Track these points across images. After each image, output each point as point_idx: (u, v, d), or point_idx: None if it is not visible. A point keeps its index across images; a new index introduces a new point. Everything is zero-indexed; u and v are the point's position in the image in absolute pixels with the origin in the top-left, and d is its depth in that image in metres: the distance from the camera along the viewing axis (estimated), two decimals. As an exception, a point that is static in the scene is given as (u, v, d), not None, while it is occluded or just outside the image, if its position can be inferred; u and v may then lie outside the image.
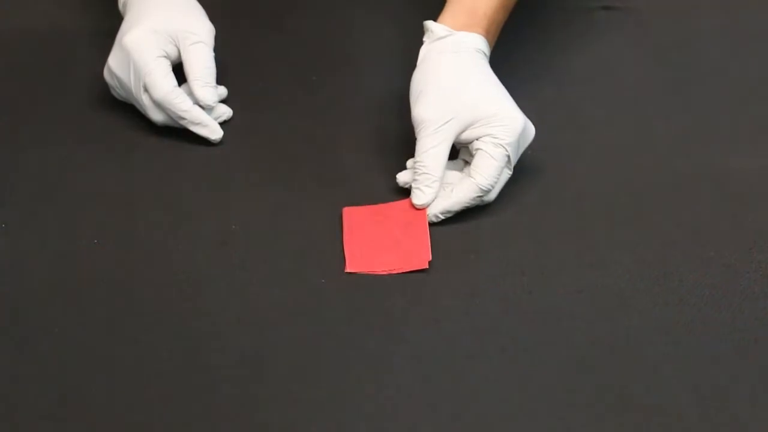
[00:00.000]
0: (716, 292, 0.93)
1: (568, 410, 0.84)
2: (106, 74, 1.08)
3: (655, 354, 0.88)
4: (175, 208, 1.00)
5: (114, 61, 1.06)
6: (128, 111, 1.10)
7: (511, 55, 1.17)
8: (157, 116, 1.05)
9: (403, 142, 1.07)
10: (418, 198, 0.98)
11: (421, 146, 0.99)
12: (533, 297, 0.93)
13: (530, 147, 1.07)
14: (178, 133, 1.07)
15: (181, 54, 1.05)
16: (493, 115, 0.98)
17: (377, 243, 0.97)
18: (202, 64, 1.05)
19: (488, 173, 0.98)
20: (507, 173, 1.00)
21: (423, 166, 0.98)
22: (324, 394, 0.86)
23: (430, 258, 0.95)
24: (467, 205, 0.99)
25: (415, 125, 1.00)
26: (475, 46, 1.03)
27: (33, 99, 1.13)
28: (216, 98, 1.06)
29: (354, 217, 0.99)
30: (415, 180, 0.99)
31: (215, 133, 1.05)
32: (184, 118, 1.04)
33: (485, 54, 1.04)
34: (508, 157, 0.98)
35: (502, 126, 0.98)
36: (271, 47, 1.17)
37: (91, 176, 1.04)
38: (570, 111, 1.12)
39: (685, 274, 0.94)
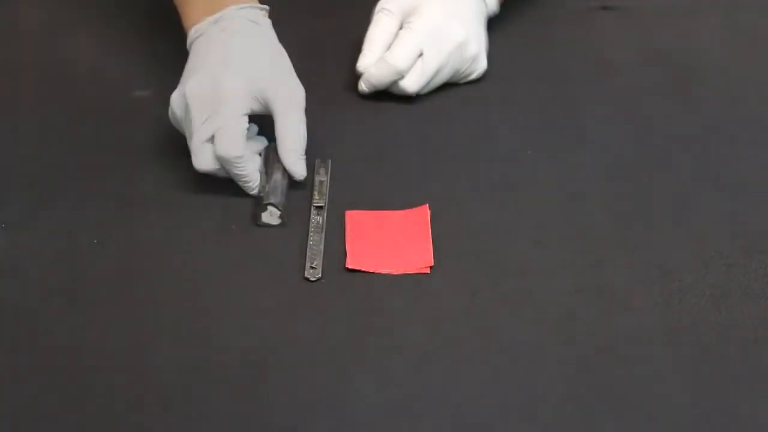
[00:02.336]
0: (716, 292, 0.93)
1: (568, 410, 0.84)
2: (175, 97, 1.00)
3: (655, 354, 0.88)
4: (175, 207, 1.00)
5: (194, 90, 0.98)
6: (128, 112, 1.10)
7: (511, 55, 1.17)
8: (201, 163, 0.98)
9: (404, 141, 1.07)
10: (359, 62, 1.10)
11: (372, 18, 1.13)
12: (533, 297, 0.93)
13: (530, 146, 1.07)
14: (178, 135, 1.06)
15: (275, 115, 0.99)
16: (418, 6, 1.10)
17: (379, 246, 0.97)
18: (298, 133, 1.00)
19: (395, 50, 1.09)
20: (427, 67, 1.09)
21: (369, 32, 1.11)
22: (324, 394, 0.86)
23: (432, 263, 0.95)
24: (383, 80, 1.09)
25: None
26: None
27: (33, 99, 1.13)
28: (304, 173, 1.01)
29: (357, 220, 0.99)
30: (363, 47, 1.11)
31: (254, 190, 1.00)
32: (237, 179, 0.99)
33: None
34: (422, 47, 1.08)
35: (418, 17, 1.09)
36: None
37: (90, 176, 1.04)
38: (570, 111, 1.12)
39: (685, 274, 0.94)
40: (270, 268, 0.95)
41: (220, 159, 0.98)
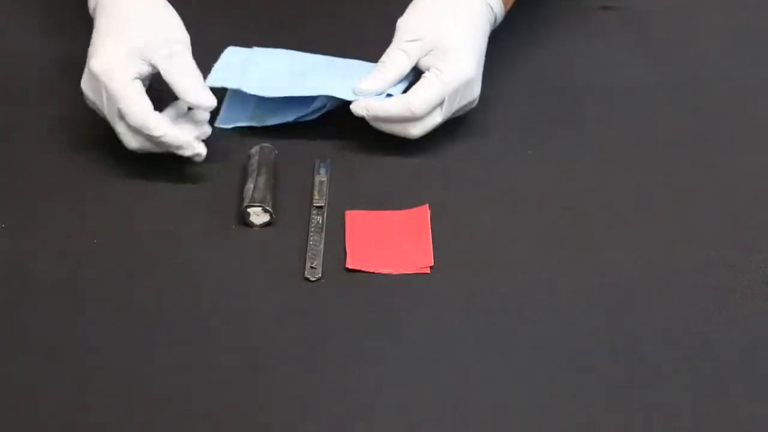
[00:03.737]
0: (716, 292, 0.93)
1: (568, 410, 0.84)
2: (84, 93, 1.02)
3: (655, 354, 0.88)
4: (175, 208, 1.00)
5: (86, 86, 1.01)
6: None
7: (511, 55, 1.17)
8: (132, 143, 1.00)
9: (404, 141, 1.07)
10: (361, 83, 1.04)
11: (388, 49, 1.06)
12: (533, 297, 0.93)
13: (530, 146, 1.07)
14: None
15: (160, 66, 1.00)
16: (449, 51, 1.04)
17: (379, 245, 0.97)
18: (189, 70, 1.01)
19: (422, 97, 1.03)
20: (437, 118, 1.04)
21: (382, 63, 1.05)
22: (324, 394, 0.86)
23: (433, 263, 0.95)
24: (391, 117, 1.03)
25: (396, 29, 1.07)
26: None
27: (34, 99, 1.13)
28: (214, 100, 1.01)
29: (357, 220, 0.99)
30: (371, 72, 1.05)
31: (198, 152, 1.00)
32: (162, 143, 0.99)
33: (491, 8, 1.08)
34: (445, 98, 1.03)
35: (452, 67, 1.04)
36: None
37: (91, 176, 1.04)
38: (570, 111, 1.12)
39: (685, 274, 0.94)
40: (270, 268, 0.95)
41: (137, 130, 0.98)
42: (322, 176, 1.03)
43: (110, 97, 0.99)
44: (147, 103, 0.99)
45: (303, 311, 0.92)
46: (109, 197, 1.02)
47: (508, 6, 1.11)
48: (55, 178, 1.04)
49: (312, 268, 0.94)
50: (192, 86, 1.00)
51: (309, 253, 0.96)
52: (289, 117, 1.06)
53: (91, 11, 1.06)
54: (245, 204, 0.98)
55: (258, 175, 1.00)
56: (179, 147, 1.00)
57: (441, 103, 1.03)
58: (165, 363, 0.87)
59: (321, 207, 1.00)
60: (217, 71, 1.06)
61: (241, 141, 1.03)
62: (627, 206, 1.01)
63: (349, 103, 1.05)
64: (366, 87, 1.05)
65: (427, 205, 1.00)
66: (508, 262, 0.96)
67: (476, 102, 1.07)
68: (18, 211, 1.00)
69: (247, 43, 1.11)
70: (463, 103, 1.06)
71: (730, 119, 1.12)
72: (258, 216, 0.98)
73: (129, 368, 0.87)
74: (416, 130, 1.04)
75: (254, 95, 1.04)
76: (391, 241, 0.97)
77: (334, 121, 1.08)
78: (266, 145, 1.03)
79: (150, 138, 0.99)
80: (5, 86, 1.15)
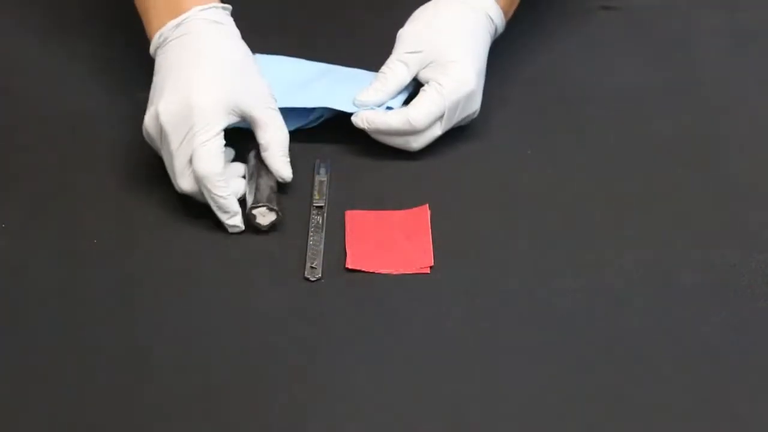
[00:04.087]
0: (716, 292, 0.93)
1: (567, 410, 0.85)
2: (149, 118, 0.98)
3: (655, 354, 0.88)
4: (175, 208, 1.00)
5: (168, 111, 0.97)
6: (129, 112, 1.10)
7: (511, 55, 1.17)
8: (185, 186, 0.97)
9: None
10: (361, 94, 1.04)
11: (388, 60, 1.06)
12: (533, 297, 0.93)
13: (530, 146, 1.07)
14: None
15: (254, 125, 0.99)
16: (449, 63, 1.04)
17: (379, 245, 0.97)
18: (281, 135, 1.00)
19: (422, 111, 1.02)
20: (436, 131, 1.04)
21: (383, 74, 1.05)
22: (324, 394, 0.86)
23: (432, 263, 0.95)
24: (391, 130, 1.03)
25: (396, 40, 1.07)
26: (485, 9, 1.07)
27: (34, 99, 1.13)
28: (291, 175, 1.00)
29: (357, 220, 0.99)
30: (371, 83, 1.05)
31: (236, 224, 0.97)
32: (215, 203, 0.96)
33: (492, 19, 1.08)
34: (445, 112, 1.03)
35: (452, 80, 1.03)
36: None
37: (91, 177, 1.04)
38: (570, 111, 1.12)
39: (685, 274, 0.94)
40: (270, 268, 0.95)
41: (199, 179, 0.96)
42: (322, 176, 1.03)
43: (192, 137, 0.96)
44: (222, 158, 0.97)
45: (303, 311, 0.92)
46: (109, 197, 1.02)
47: (509, 16, 1.11)
48: (55, 178, 1.04)
49: (312, 268, 0.94)
50: (277, 156, 1.00)
51: (309, 253, 0.96)
52: (290, 127, 1.06)
53: (153, 50, 1.03)
54: (249, 207, 0.98)
55: (258, 177, 1.00)
56: (227, 212, 0.97)
57: (441, 116, 1.03)
58: (165, 363, 0.88)
59: (321, 207, 1.00)
60: None
61: (242, 141, 1.03)
62: (627, 206, 1.01)
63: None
64: (366, 98, 1.05)
65: (427, 205, 1.00)
66: (508, 262, 0.96)
67: (477, 113, 1.07)
68: (18, 211, 1.00)
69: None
70: (464, 115, 1.05)
71: (730, 119, 1.12)
72: (264, 216, 0.98)
73: (129, 368, 0.87)
74: (416, 144, 1.04)
75: None
76: (391, 241, 0.97)
77: (334, 121, 1.08)
78: None
79: (206, 192, 0.97)
80: (5, 86, 1.15)
